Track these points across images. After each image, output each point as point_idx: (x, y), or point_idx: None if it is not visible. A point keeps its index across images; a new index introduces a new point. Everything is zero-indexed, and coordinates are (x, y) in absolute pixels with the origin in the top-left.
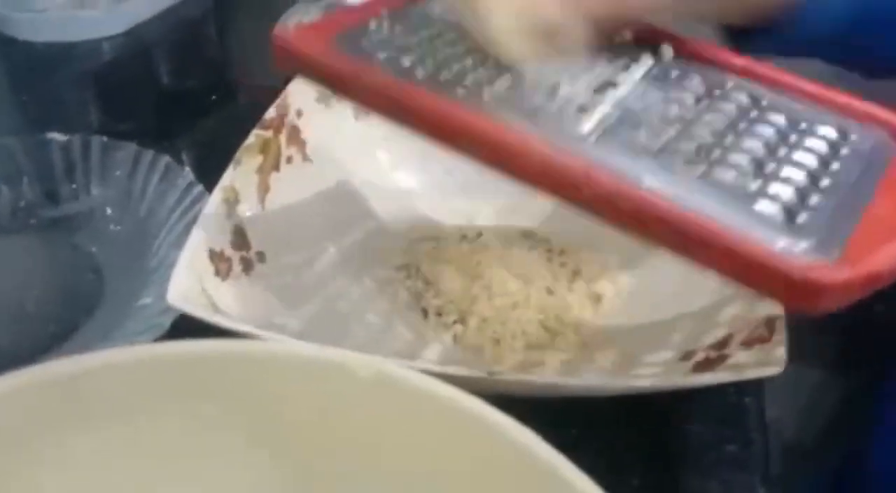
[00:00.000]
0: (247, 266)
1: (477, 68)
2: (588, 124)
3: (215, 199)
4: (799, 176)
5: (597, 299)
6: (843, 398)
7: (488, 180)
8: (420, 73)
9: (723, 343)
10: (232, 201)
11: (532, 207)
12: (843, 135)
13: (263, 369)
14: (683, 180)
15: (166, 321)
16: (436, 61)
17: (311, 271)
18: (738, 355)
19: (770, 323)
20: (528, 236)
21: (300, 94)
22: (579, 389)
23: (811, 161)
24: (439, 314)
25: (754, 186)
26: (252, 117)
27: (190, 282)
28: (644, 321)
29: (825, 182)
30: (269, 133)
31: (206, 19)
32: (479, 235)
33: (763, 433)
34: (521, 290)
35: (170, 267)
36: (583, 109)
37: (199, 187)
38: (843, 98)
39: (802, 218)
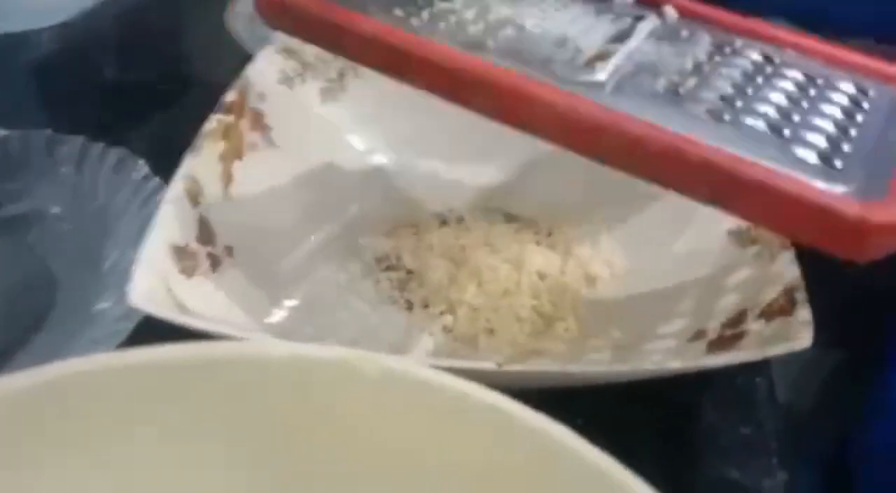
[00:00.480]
0: (215, 262)
1: (478, 21)
2: (604, 73)
3: (175, 189)
4: (827, 125)
5: (592, 280)
6: (838, 376)
7: (467, 163)
8: (418, 24)
9: (737, 320)
10: (194, 192)
11: (514, 190)
12: (861, 89)
13: (258, 373)
14: (713, 127)
15: (128, 327)
16: (432, 13)
17: (285, 266)
18: (757, 331)
19: (789, 293)
20: (513, 219)
21: (261, 75)
22: (598, 375)
23: (836, 112)
24: (426, 306)
25: (786, 132)
26: (206, 112)
27: (153, 281)
28: (644, 301)
29: (853, 132)
30: (230, 117)
31: (152, 9)
32: (461, 219)
33: (775, 414)
34: (512, 275)
35: (128, 268)
36: (596, 58)
37: (156, 180)
38: (853, 56)
39: (839, 163)
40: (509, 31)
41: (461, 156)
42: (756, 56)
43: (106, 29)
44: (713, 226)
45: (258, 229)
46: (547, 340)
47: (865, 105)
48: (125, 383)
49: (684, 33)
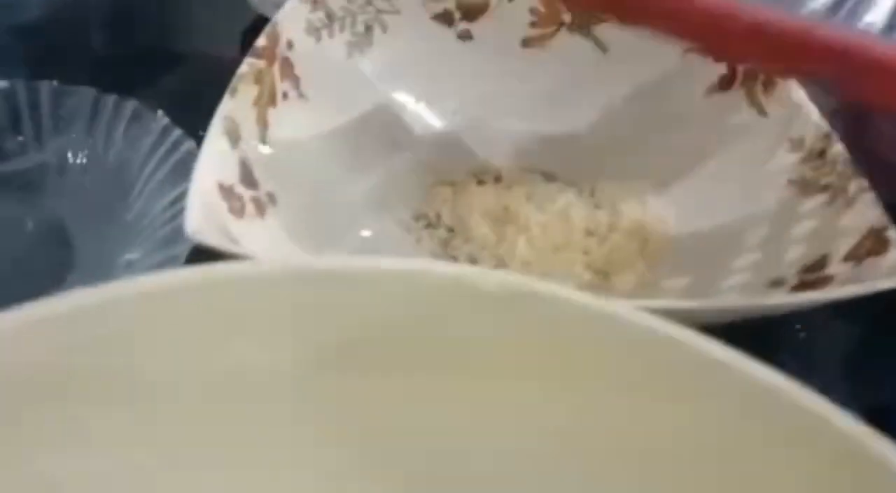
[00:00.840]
0: (259, 207)
1: None
2: None
3: (216, 129)
4: None
5: (643, 236)
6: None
7: (502, 120)
8: None
9: (818, 265)
10: (233, 133)
11: (553, 149)
12: None
13: (358, 286)
14: (826, 20)
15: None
16: None
17: (325, 221)
18: (844, 273)
19: (877, 233)
20: (553, 179)
21: (290, 23)
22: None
23: None
24: (473, 262)
25: None
26: (221, 74)
27: (206, 215)
28: (703, 254)
29: None
30: (261, 62)
31: None
32: (498, 178)
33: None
34: (561, 230)
35: (153, 220)
36: None
37: (178, 131)
38: None
39: None
40: None
41: (495, 113)
42: None
43: None
44: (771, 178)
45: (297, 181)
46: (608, 293)
47: None
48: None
49: None
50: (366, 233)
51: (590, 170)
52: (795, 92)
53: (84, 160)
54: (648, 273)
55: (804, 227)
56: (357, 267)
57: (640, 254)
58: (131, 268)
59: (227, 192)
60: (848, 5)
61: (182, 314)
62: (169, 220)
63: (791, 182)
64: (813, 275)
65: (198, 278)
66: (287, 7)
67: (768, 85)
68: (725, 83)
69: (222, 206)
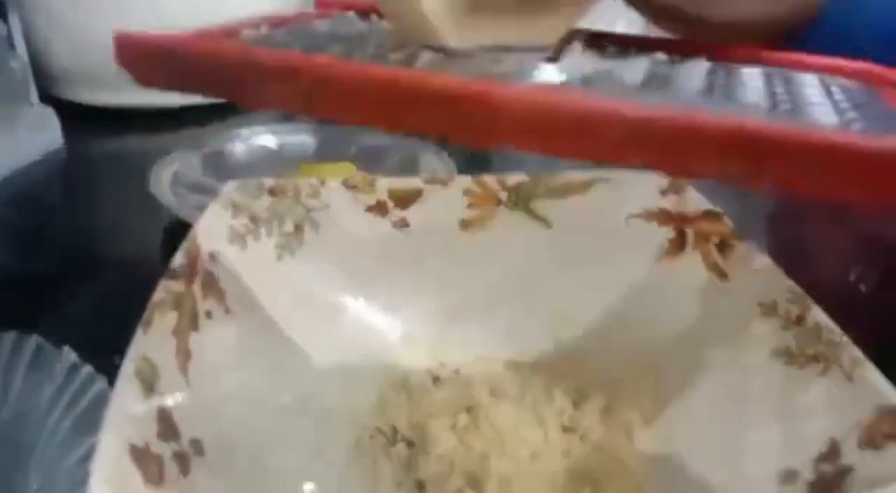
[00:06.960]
0: (183, 464)
1: (386, 55)
2: (562, 77)
3: (127, 374)
4: (823, 102)
5: (626, 428)
6: None
7: (451, 311)
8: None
9: (832, 452)
10: (148, 376)
11: (512, 333)
12: (823, 81)
13: None
14: (711, 102)
15: None
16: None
17: (263, 457)
18: (868, 463)
19: (892, 413)
20: (518, 369)
21: (211, 233)
22: None
23: (819, 95)
24: (442, 486)
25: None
26: (124, 296)
27: None
28: (699, 444)
29: (845, 106)
30: (180, 284)
31: (52, 186)
32: (456, 372)
33: None
34: (537, 432)
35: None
36: (545, 68)
37: (87, 369)
38: (807, 59)
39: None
40: (430, 55)
41: (443, 303)
42: (705, 63)
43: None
44: (752, 349)
45: (225, 415)
46: None
47: (836, 89)
48: None
49: (610, 49)
50: (313, 468)
51: (556, 358)
52: (755, 253)
53: None
54: (639, 474)
55: (801, 405)
56: None
57: (620, 456)
58: None
59: (141, 456)
60: (719, 86)
61: None
62: (79, 484)
63: (775, 353)
64: (831, 466)
65: None
66: (206, 215)
67: (724, 247)
68: (676, 247)
69: (136, 476)
